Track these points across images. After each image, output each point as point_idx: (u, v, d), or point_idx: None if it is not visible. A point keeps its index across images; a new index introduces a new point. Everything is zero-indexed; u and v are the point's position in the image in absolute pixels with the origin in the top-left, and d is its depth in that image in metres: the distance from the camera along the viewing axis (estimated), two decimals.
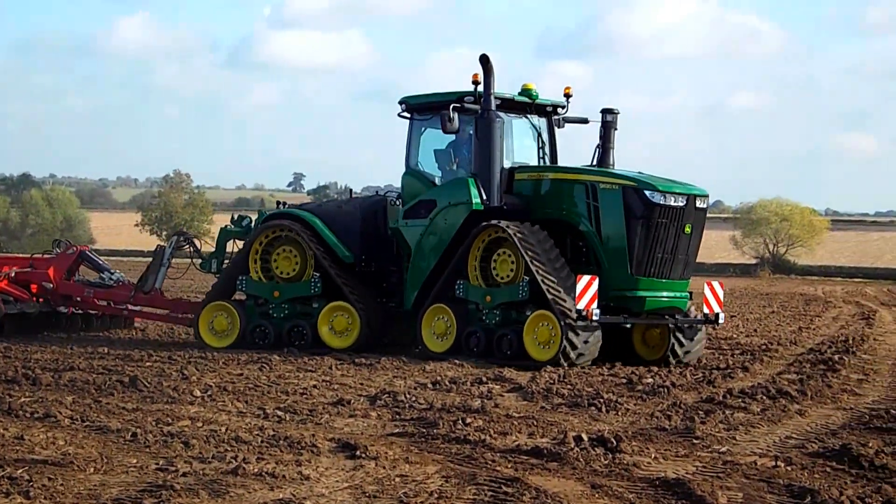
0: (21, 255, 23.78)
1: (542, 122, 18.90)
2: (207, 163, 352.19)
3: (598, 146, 18.46)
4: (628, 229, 16.87)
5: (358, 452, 9.38)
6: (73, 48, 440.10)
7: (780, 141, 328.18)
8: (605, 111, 18.48)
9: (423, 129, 18.45)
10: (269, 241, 18.94)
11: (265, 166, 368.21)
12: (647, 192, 16.82)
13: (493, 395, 13.41)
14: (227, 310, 18.90)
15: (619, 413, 12.13)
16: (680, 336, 17.30)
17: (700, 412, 12.09)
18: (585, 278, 16.35)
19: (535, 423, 11.23)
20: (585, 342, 16.40)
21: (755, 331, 24.72)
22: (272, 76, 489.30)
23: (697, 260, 18.21)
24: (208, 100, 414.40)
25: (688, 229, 17.15)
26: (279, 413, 11.53)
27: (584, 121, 19.12)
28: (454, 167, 18.20)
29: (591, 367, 16.39)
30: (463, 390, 13.71)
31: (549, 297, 16.43)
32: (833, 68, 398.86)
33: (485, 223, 17.24)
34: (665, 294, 17.21)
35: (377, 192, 20.17)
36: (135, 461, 9.01)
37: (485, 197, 17.43)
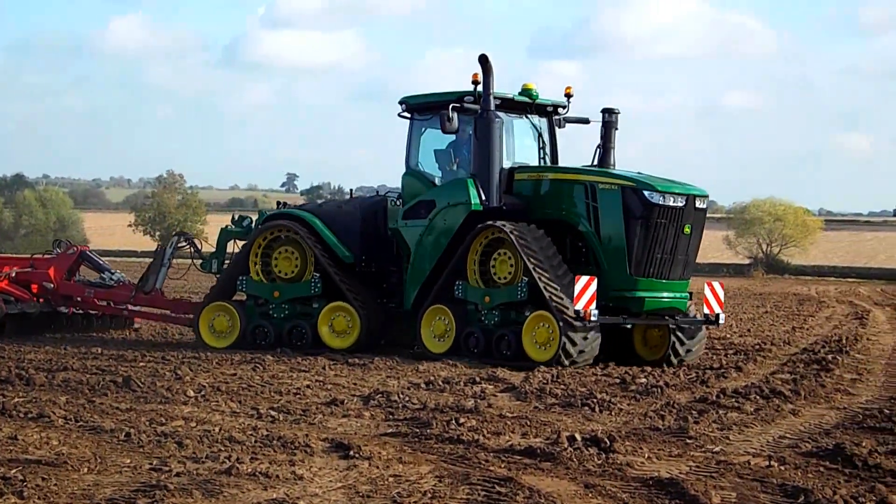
0: (22, 256, 23.82)
1: (542, 122, 18.90)
2: (201, 163, 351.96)
3: (598, 146, 18.44)
4: (627, 230, 16.85)
5: (351, 452, 9.38)
6: (67, 48, 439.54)
7: (773, 141, 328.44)
8: (605, 111, 18.45)
9: (423, 129, 18.44)
10: (270, 241, 18.94)
11: (259, 166, 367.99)
12: (645, 193, 16.81)
13: (486, 395, 13.41)
14: (228, 310, 18.89)
15: (613, 413, 12.13)
16: (681, 336, 17.31)
17: (693, 412, 12.11)
18: (584, 279, 16.33)
19: (528, 422, 11.24)
20: (584, 342, 16.39)
21: (749, 331, 24.75)
22: (266, 76, 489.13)
23: None
24: (202, 100, 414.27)
25: (687, 229, 17.13)
26: (273, 413, 11.53)
27: (585, 121, 19.11)
28: (454, 167, 18.20)
29: (584, 367, 16.39)
30: (456, 390, 13.71)
31: (548, 297, 16.43)
32: (828, 68, 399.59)
33: (483, 224, 17.24)
34: (664, 294, 17.19)
35: (377, 191, 20.18)
36: (128, 461, 9.00)
37: (484, 197, 17.42)
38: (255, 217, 19.82)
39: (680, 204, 16.98)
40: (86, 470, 8.64)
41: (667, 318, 17.40)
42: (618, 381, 15.00)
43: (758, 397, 13.25)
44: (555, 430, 10.63)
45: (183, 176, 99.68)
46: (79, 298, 20.55)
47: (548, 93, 18.84)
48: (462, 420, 11.14)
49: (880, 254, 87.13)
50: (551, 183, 17.79)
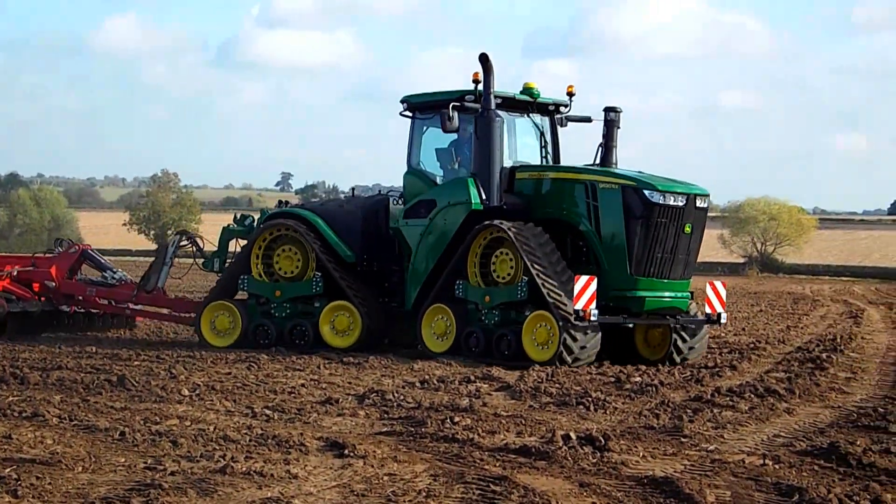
0: (23, 254, 23.80)
1: (544, 121, 18.87)
2: (195, 162, 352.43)
3: (600, 145, 18.34)
4: (627, 229, 16.83)
5: (346, 451, 9.38)
6: (61, 47, 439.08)
7: (767, 140, 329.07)
8: (607, 109, 18.30)
9: (424, 128, 18.41)
10: (271, 240, 18.93)
11: (253, 166, 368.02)
12: (646, 192, 16.78)
13: (481, 393, 13.41)
14: (229, 309, 18.87)
15: (608, 412, 12.14)
16: (683, 334, 17.30)
17: (688, 411, 12.11)
18: (583, 278, 16.29)
19: (523, 421, 11.24)
20: (584, 342, 16.37)
21: (743, 329, 24.76)
22: (261, 75, 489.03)
23: None
24: (196, 99, 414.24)
25: (688, 229, 17.10)
26: (267, 412, 11.52)
27: (588, 119, 19.07)
28: (456, 166, 18.17)
29: (579, 366, 16.39)
30: (451, 389, 13.71)
31: (547, 296, 16.41)
32: (823, 67, 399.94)
33: (484, 223, 17.22)
34: (665, 294, 17.18)
35: (378, 191, 20.16)
36: (123, 460, 9.00)
37: (484, 197, 17.40)
38: (256, 216, 19.80)
39: (680, 203, 16.96)
40: (80, 469, 8.63)
41: (667, 317, 17.38)
42: (612, 379, 15.00)
43: (752, 396, 13.25)
44: (549, 429, 10.63)
45: (177, 175, 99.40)
46: (80, 297, 20.52)
47: (545, 92, 18.83)
48: (457, 419, 11.14)
49: (875, 252, 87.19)
50: (552, 182, 17.76)
